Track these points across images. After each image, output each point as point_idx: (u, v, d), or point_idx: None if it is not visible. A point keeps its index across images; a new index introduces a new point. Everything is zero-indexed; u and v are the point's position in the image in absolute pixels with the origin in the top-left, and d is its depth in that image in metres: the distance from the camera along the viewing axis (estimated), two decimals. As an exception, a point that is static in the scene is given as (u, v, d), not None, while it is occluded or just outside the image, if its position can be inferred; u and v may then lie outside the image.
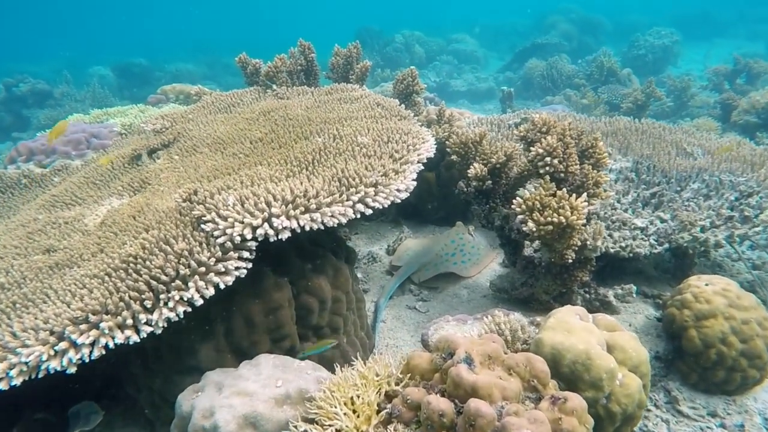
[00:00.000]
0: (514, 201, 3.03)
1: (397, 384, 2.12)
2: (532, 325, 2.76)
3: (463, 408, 1.84)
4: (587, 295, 3.51)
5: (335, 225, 2.55)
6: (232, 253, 2.39)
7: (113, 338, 2.17)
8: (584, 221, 2.78)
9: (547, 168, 3.07)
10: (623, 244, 3.49)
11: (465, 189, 3.81)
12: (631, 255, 3.50)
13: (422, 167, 3.23)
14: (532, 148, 3.14)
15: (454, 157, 3.84)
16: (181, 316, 2.26)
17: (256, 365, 2.39)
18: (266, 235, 2.43)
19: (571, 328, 2.43)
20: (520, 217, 2.95)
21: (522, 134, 3.31)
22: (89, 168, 4.28)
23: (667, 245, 3.62)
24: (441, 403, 1.83)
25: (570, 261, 3.09)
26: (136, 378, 2.71)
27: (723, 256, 4.70)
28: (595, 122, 5.44)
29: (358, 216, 2.68)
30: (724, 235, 3.61)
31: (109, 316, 2.22)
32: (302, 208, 2.50)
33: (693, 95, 10.35)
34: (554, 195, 2.95)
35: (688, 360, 3.18)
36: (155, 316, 2.18)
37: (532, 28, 22.10)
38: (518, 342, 2.53)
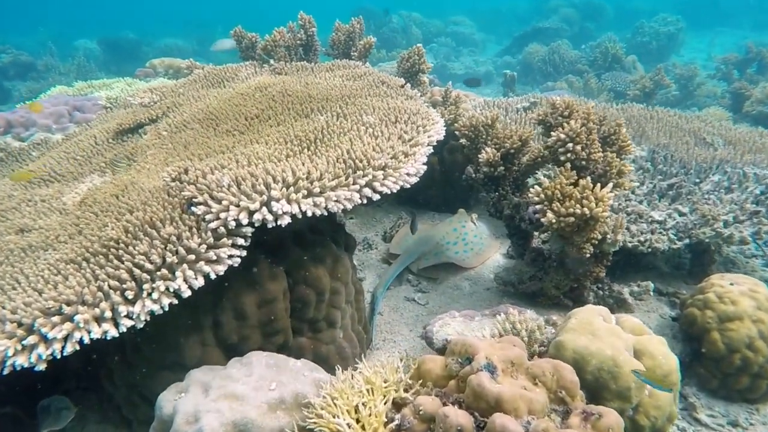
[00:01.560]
0: (531, 190, 2.80)
1: (406, 391, 1.90)
2: (548, 324, 2.55)
3: (484, 422, 1.63)
4: (600, 292, 3.31)
5: (339, 211, 2.31)
6: (225, 239, 2.15)
7: (89, 332, 1.93)
8: (608, 214, 2.57)
9: (569, 155, 2.84)
10: (642, 239, 3.28)
11: (474, 175, 3.58)
12: (649, 250, 3.29)
13: (432, 150, 2.99)
14: (552, 133, 2.91)
15: (463, 140, 3.60)
16: (166, 309, 2.02)
17: (247, 364, 2.16)
18: (264, 221, 2.19)
19: (596, 330, 2.22)
20: (537, 206, 2.73)
21: (541, 118, 3.08)
22: (71, 142, 3.99)
23: (687, 240, 3.42)
24: (460, 417, 1.62)
25: (588, 255, 2.88)
26: (112, 372, 2.47)
27: (736, 253, 4.52)
28: (606, 108, 5.21)
29: (365, 201, 2.44)
30: (749, 231, 3.41)
31: (85, 307, 1.98)
32: (305, 192, 2.25)
33: (700, 84, 10.10)
34: (576, 184, 2.72)
35: (709, 364, 2.99)
36: (137, 308, 1.94)
37: (532, 12, 21.69)
38: (535, 344, 2.32)
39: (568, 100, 2.96)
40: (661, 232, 3.50)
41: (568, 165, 2.83)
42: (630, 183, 2.83)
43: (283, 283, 2.56)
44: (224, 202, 2.17)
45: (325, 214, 2.28)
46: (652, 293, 3.27)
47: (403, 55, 4.72)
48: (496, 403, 1.62)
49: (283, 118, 3.24)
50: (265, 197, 2.18)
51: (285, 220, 2.19)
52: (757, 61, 10.57)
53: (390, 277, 3.94)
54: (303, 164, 2.46)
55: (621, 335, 2.22)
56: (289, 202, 2.21)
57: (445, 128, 3.65)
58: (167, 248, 2.09)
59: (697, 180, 4.07)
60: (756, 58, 10.52)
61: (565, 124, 2.85)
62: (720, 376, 2.96)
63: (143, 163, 3.19)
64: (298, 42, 4.77)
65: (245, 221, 2.15)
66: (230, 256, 2.16)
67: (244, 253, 2.21)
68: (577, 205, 2.56)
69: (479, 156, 3.36)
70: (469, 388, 1.69)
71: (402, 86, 3.83)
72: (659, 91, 9.24)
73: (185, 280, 2.04)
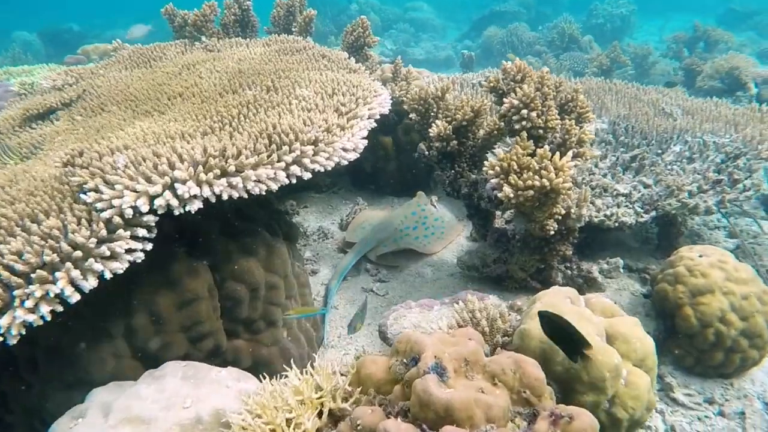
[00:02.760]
0: (485, 163, 2.51)
1: (345, 400, 1.59)
2: (512, 311, 2.28)
3: (433, 436, 1.33)
4: (569, 272, 3.07)
5: (262, 193, 1.98)
6: (122, 231, 1.78)
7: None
8: (570, 185, 2.30)
9: (524, 123, 2.56)
10: (608, 212, 3.05)
11: (426, 152, 3.28)
12: (616, 224, 3.06)
13: (374, 124, 2.68)
14: (505, 100, 2.62)
15: (412, 115, 3.29)
16: (48, 318, 1.65)
17: (160, 378, 1.81)
18: (169, 207, 1.83)
19: (562, 314, 1.95)
20: (492, 181, 2.45)
21: (492, 84, 2.79)
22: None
23: (654, 213, 3.21)
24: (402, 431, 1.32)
25: (552, 233, 2.62)
26: (5, 396, 2.08)
27: (700, 225, 4.39)
28: (564, 81, 4.97)
29: (293, 181, 2.10)
30: (714, 201, 3.22)
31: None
32: (217, 171, 1.90)
33: (654, 63, 10.10)
34: (533, 154, 2.45)
35: (683, 341, 2.80)
36: (4, 320, 1.56)
37: (490, -1, 21.54)
38: (498, 334, 2.04)
39: (520, 64, 2.68)
40: (627, 206, 3.28)
41: (524, 134, 2.56)
42: (592, 152, 2.57)
43: (208, 279, 2.20)
44: (118, 187, 1.80)
45: (245, 196, 1.93)
46: (622, 270, 3.05)
47: (347, 28, 4.37)
48: (446, 412, 1.32)
49: (208, 94, 2.86)
50: (168, 179, 1.83)
51: (194, 205, 1.84)
52: (703, 40, 10.71)
53: (345, 268, 3.62)
54: (219, 141, 2.11)
55: (591, 319, 1.96)
56: (198, 183, 1.86)
57: (394, 107, 3.35)
58: (48, 245, 1.71)
59: (659, 151, 3.88)
60: (702, 36, 10.66)
61: (518, 89, 2.57)
62: (695, 352, 2.78)
63: (48, 151, 2.77)
64: (233, 17, 4.36)
65: (145, 208, 1.79)
66: (130, 251, 1.79)
67: (149, 246, 1.85)
68: (536, 177, 2.29)
69: (430, 131, 3.05)
70: (415, 395, 1.39)
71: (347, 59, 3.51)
72: (616, 70, 9.16)
73: (71, 282, 1.67)
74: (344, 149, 2.28)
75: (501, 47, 12.71)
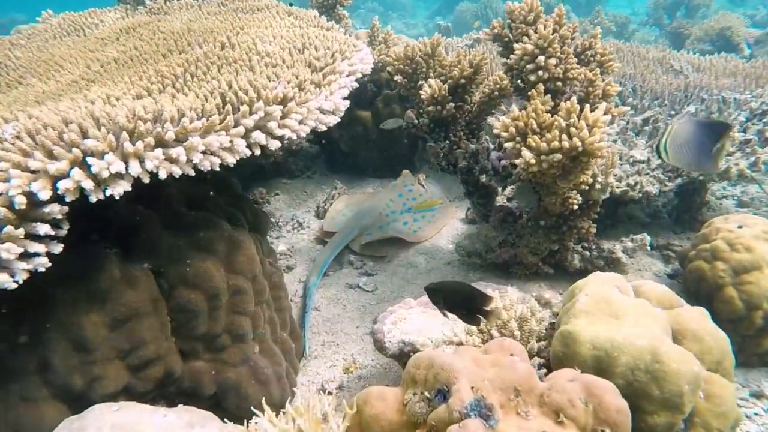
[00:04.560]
0: (495, 124, 2.04)
1: (342, 453, 1.11)
2: (539, 305, 1.83)
3: None
4: (587, 253, 2.65)
5: (215, 168, 1.46)
6: (10, 228, 1.25)
7: None
8: (607, 145, 1.85)
9: (540, 73, 2.09)
10: (630, 182, 2.62)
11: (416, 120, 2.79)
12: (640, 195, 2.64)
13: (356, 84, 2.17)
14: (516, 46, 2.14)
15: (397, 77, 2.80)
16: None
17: (80, 431, 1.30)
18: (83, 192, 1.31)
19: (618, 309, 1.50)
20: (507, 145, 1.97)
21: (496, 31, 2.31)
22: None
23: (679, 180, 2.79)
24: None
25: (576, 207, 2.18)
26: None
27: (708, 195, 4.03)
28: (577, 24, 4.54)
29: (257, 152, 1.59)
30: (746, 163, 2.83)
31: None
32: (150, 141, 1.38)
33: (633, 32, 9.79)
34: (554, 111, 1.98)
35: (724, 327, 2.40)
36: None
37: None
38: (531, 338, 1.58)
39: (531, 2, 2.20)
40: (647, 174, 2.86)
41: (541, 87, 2.09)
42: (620, 109, 2.11)
43: (151, 288, 1.69)
44: (2, 165, 1.26)
45: (191, 173, 1.42)
46: (649, 248, 2.63)
47: (316, -15, 3.83)
48: (506, 482, 0.85)
49: (148, 56, 2.32)
50: (78, 152, 1.30)
51: (119, 188, 1.32)
52: (684, 5, 10.42)
53: (324, 262, 3.12)
54: (156, 102, 1.58)
55: (653, 313, 1.52)
56: (124, 158, 1.34)
57: (372, 71, 2.82)
58: None
59: (673, 112, 3.48)
60: (682, 2, 10.35)
61: (532, 33, 2.10)
62: (737, 339, 2.37)
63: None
64: (183, -23, 3.76)
65: (46, 194, 1.26)
66: (27, 256, 1.27)
67: (57, 248, 1.33)
68: (564, 137, 1.83)
69: (421, 93, 2.57)
70: (452, 454, 0.91)
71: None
72: (602, 37, 8.81)
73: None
74: (321, 110, 1.78)
75: (475, 20, 12.24)
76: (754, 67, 3.71)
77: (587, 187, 2.13)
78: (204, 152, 1.45)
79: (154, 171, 1.38)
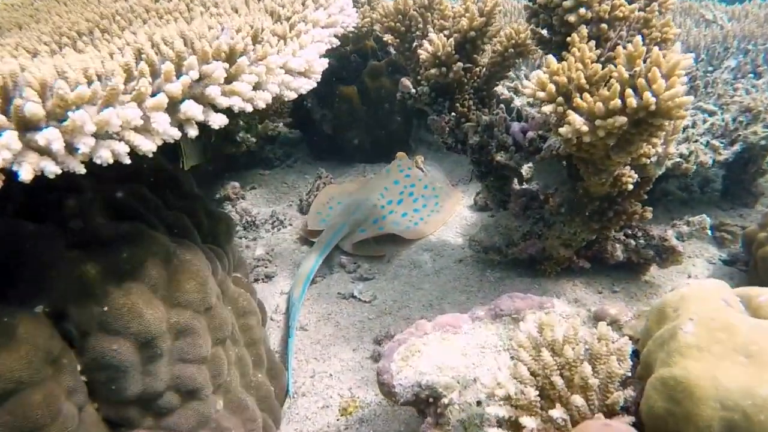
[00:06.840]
0: (528, 84, 1.51)
1: None
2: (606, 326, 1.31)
3: None
4: (632, 241, 2.15)
5: (122, 160, 0.93)
6: None
7: None
8: (687, 101, 1.33)
9: (582, 11, 1.56)
10: (684, 151, 2.11)
11: (413, 89, 2.26)
12: (695, 166, 2.14)
13: (336, 42, 1.63)
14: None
15: (387, 36, 2.25)
16: None
17: None
18: None
19: (748, 341, 1.00)
20: (546, 109, 1.45)
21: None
22: None
23: (738, 147, 2.29)
24: None
25: (630, 187, 1.67)
26: None
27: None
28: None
29: (191, 132, 1.05)
30: (817, 123, 2.33)
31: None
32: (12, 127, 0.83)
33: None
34: (611, 58, 1.46)
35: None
36: None
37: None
38: (612, 384, 1.07)
39: None
40: (696, 141, 2.36)
41: (584, 30, 1.56)
42: (686, 58, 1.57)
43: (46, 343, 1.15)
44: None
45: (80, 170, 0.88)
46: (709, 232, 2.13)
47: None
48: None
49: (41, 17, 1.76)
50: None
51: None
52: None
53: (312, 267, 2.59)
54: (37, 68, 1.02)
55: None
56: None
57: (355, 38, 2.30)
58: None
59: (710, 68, 2.97)
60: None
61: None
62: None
63: None
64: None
65: None
66: None
67: None
68: (628, 92, 1.31)
69: (420, 52, 2.02)
70: None
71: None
72: None
73: None
74: (287, 70, 1.23)
75: None
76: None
77: (648, 161, 1.61)
78: (99, 136, 0.91)
79: (42, 167, 0.84)
